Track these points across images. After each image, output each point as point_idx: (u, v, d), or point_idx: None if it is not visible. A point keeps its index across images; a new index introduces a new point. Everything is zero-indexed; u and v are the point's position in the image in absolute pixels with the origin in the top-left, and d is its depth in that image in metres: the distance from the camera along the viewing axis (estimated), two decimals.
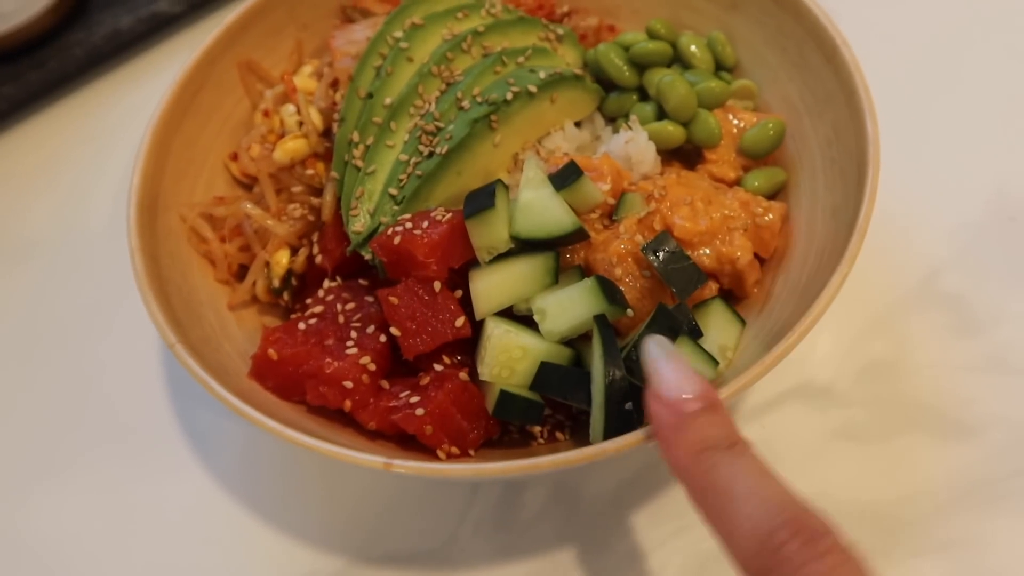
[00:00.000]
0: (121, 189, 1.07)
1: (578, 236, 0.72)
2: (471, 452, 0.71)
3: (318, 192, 0.86)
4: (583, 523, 0.79)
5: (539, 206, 0.72)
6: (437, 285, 0.71)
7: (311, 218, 0.85)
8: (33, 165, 1.12)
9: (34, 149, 1.14)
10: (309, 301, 0.80)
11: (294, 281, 0.84)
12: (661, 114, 0.86)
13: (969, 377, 0.84)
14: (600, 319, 0.67)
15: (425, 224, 0.72)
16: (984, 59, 1.07)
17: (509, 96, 0.80)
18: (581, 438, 0.73)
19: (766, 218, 0.78)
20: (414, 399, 0.70)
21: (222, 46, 0.90)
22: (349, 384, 0.71)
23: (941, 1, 1.12)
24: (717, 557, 0.74)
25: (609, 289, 0.69)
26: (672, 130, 0.84)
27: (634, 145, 0.82)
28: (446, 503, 0.81)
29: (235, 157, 0.91)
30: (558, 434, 0.75)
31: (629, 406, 0.65)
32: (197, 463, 0.86)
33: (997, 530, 0.76)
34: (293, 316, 0.79)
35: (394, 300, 0.72)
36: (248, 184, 0.91)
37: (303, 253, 0.84)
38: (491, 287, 0.71)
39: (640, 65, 0.88)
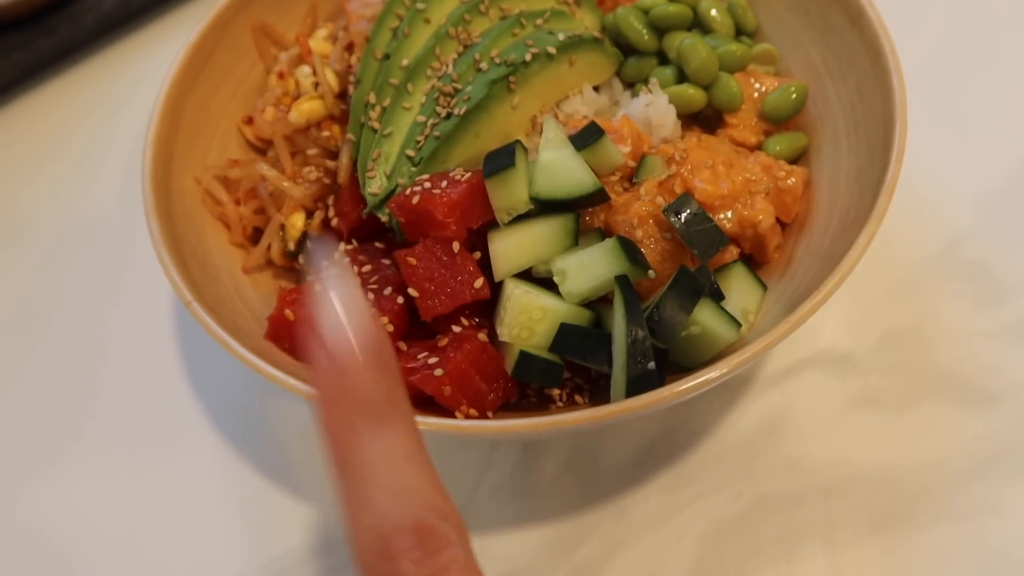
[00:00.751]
0: (132, 156, 1.06)
1: (599, 197, 0.71)
2: (489, 414, 0.71)
3: (333, 155, 0.85)
4: (600, 489, 0.79)
5: (559, 167, 0.71)
6: (456, 246, 0.71)
7: (326, 181, 0.84)
8: (43, 132, 1.11)
9: (44, 116, 1.13)
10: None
11: (309, 244, 0.83)
12: (681, 78, 0.85)
13: (991, 345, 0.83)
14: (622, 279, 0.67)
15: (444, 184, 0.71)
16: (1012, 23, 1.05)
17: (528, 57, 0.79)
18: (600, 401, 0.72)
19: (788, 182, 0.77)
20: (432, 360, 0.69)
21: (235, 9, 0.89)
22: None
23: None
24: (737, 524, 0.75)
25: (631, 250, 0.68)
26: (693, 93, 0.82)
27: (654, 108, 0.81)
28: (462, 469, 0.80)
29: (249, 121, 0.90)
30: (577, 397, 0.74)
31: (652, 366, 0.64)
32: (210, 431, 0.86)
33: (1019, 498, 0.75)
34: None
35: (412, 261, 0.71)
36: (262, 148, 0.90)
37: (318, 216, 0.83)
38: (510, 248, 0.71)
39: (659, 29, 0.87)
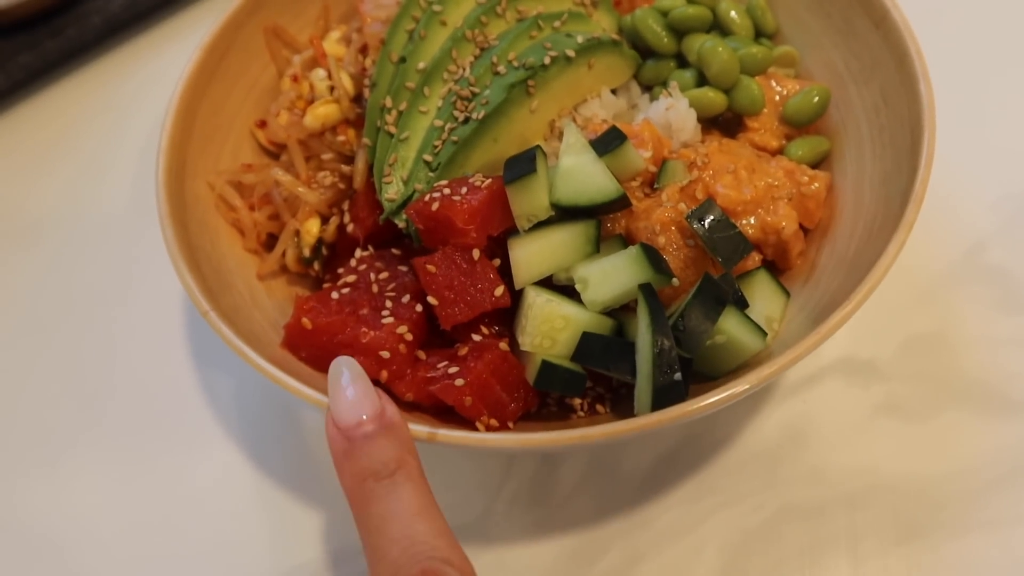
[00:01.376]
0: (141, 158, 1.06)
1: (621, 204, 0.71)
2: (510, 424, 0.70)
3: (348, 160, 0.84)
4: (620, 499, 0.78)
5: (581, 172, 0.70)
6: (476, 253, 0.70)
7: (342, 186, 0.83)
8: (51, 135, 1.10)
9: (52, 119, 1.12)
10: (341, 271, 0.78)
11: (324, 250, 0.82)
12: (701, 81, 0.84)
13: (1015, 352, 0.82)
14: (646, 288, 0.66)
15: (464, 190, 0.70)
16: None
17: (547, 61, 0.78)
18: (622, 411, 0.72)
19: (812, 187, 0.76)
20: (452, 369, 0.69)
21: (247, 11, 0.87)
22: (386, 354, 0.70)
23: None
24: (759, 535, 0.74)
25: (654, 257, 0.68)
26: (714, 97, 0.81)
27: (675, 112, 0.80)
28: (481, 478, 0.80)
29: (262, 124, 0.88)
30: (598, 407, 0.73)
31: (678, 376, 0.63)
32: (222, 436, 0.85)
33: None
34: (325, 286, 0.78)
35: (431, 268, 0.70)
36: (275, 152, 0.89)
37: (334, 222, 0.82)
38: (531, 255, 0.70)
39: (678, 31, 0.86)
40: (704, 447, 0.79)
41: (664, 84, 0.86)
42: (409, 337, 0.71)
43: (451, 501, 0.78)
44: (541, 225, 0.71)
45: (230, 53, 0.87)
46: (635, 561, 0.75)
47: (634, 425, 0.60)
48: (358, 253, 0.79)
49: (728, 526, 0.75)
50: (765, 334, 0.68)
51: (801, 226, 0.77)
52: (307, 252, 0.82)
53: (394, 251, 0.79)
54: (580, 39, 0.81)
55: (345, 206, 0.83)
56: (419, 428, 0.63)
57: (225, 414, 0.86)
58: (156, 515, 0.82)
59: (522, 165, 0.69)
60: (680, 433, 0.80)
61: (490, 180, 0.71)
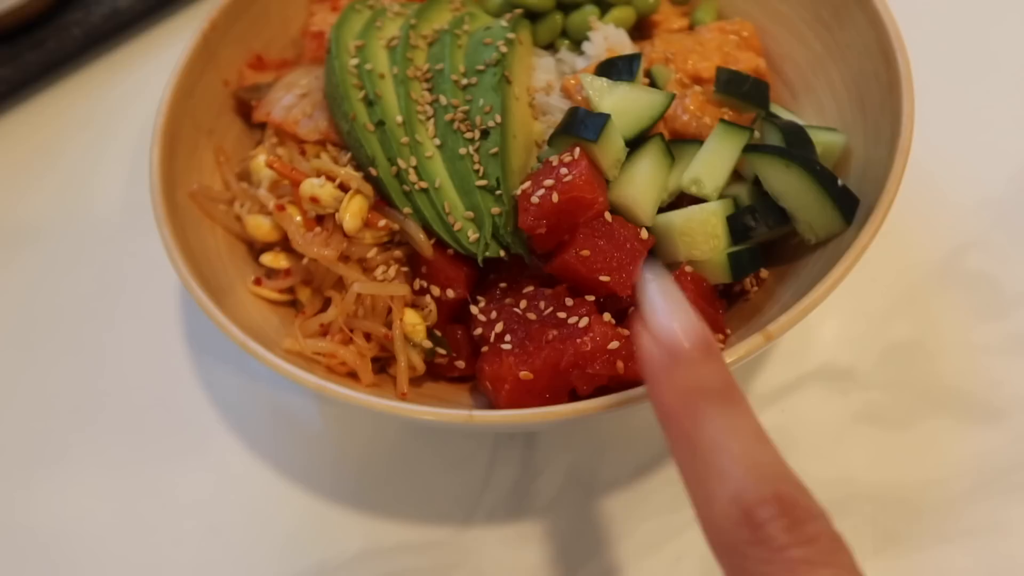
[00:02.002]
0: (126, 168, 1.06)
1: (671, 105, 0.77)
2: (728, 331, 0.73)
3: (386, 245, 0.78)
4: (599, 509, 0.78)
5: (628, 104, 0.76)
6: (608, 216, 0.71)
7: (405, 269, 0.77)
8: (33, 148, 1.08)
9: (34, 132, 1.10)
10: (479, 333, 0.74)
11: (438, 333, 0.76)
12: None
13: (994, 359, 0.82)
14: (761, 147, 0.73)
15: (564, 171, 0.71)
16: (1010, 31, 1.05)
17: (504, 49, 0.81)
18: (780, 268, 0.77)
19: (743, 34, 0.88)
20: None
21: (163, 186, 0.78)
22: (615, 344, 0.68)
23: None
24: None
25: (735, 125, 0.75)
26: (627, 13, 0.90)
27: (615, 37, 0.87)
28: (460, 491, 0.79)
29: (259, 282, 0.80)
30: (762, 273, 0.78)
31: (842, 182, 0.70)
32: (219, 441, 0.86)
33: None
34: (487, 348, 0.73)
35: (586, 253, 0.70)
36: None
37: (429, 303, 0.76)
38: (638, 193, 0.73)
39: None
40: None
41: (564, 35, 0.92)
42: (612, 320, 0.71)
43: (429, 513, 0.79)
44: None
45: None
46: (614, 572, 0.75)
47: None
48: (475, 310, 0.75)
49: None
50: (835, 129, 0.78)
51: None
52: (428, 344, 0.75)
53: (502, 285, 0.76)
54: (504, 23, 0.85)
55: (415, 285, 0.77)
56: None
57: (222, 418, 0.86)
58: (152, 520, 0.82)
59: (597, 120, 0.72)
60: (658, 443, 0.80)
61: (567, 154, 0.72)
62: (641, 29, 0.94)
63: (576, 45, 0.92)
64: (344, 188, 0.75)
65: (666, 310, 0.54)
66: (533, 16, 0.93)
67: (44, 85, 1.14)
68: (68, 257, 1.00)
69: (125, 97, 1.12)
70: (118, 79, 1.15)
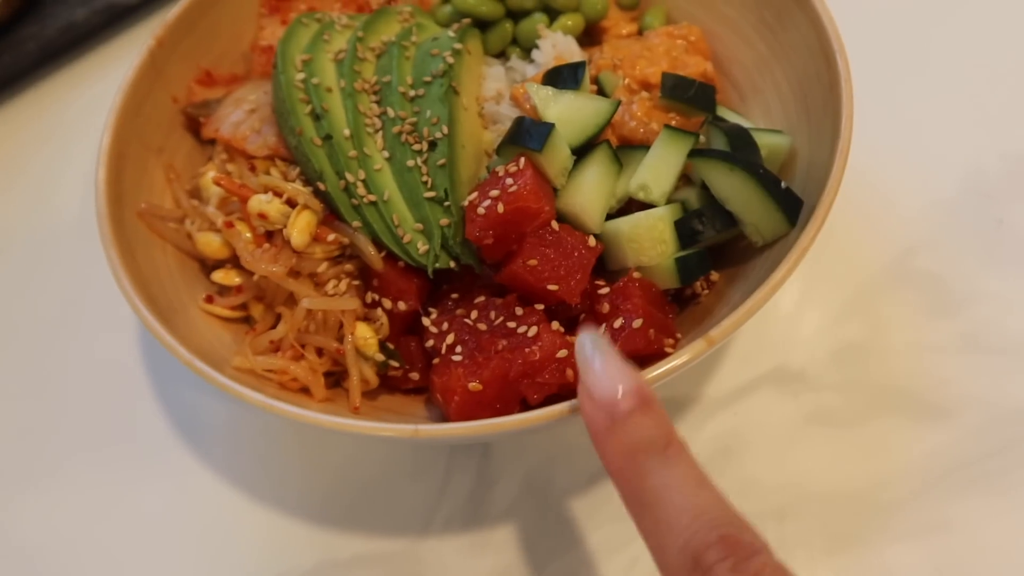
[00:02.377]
0: (86, 183, 1.05)
1: (615, 113, 0.77)
2: (678, 336, 0.72)
3: (338, 259, 0.78)
4: (555, 517, 0.79)
5: (573, 113, 0.76)
6: (555, 224, 0.72)
7: (356, 283, 0.77)
8: None
9: None
10: (430, 345, 0.74)
11: (391, 346, 0.76)
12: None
13: (943, 358, 0.83)
14: (706, 151, 0.74)
15: (508, 181, 0.71)
16: (955, 33, 1.05)
17: (451, 60, 0.81)
18: (729, 271, 0.78)
19: (691, 38, 0.88)
20: (618, 323, 0.69)
21: (110, 207, 0.77)
22: (564, 352, 0.69)
23: None
24: None
25: (680, 131, 0.75)
26: (576, 20, 0.91)
27: (563, 45, 0.88)
28: (416, 500, 0.80)
29: (211, 300, 0.79)
30: (712, 276, 0.78)
31: (785, 184, 0.71)
32: (179, 448, 0.85)
33: (974, 512, 0.75)
34: (438, 359, 0.73)
35: (533, 263, 0.70)
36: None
37: (380, 316, 0.76)
38: (585, 200, 0.74)
39: None
40: None
41: (514, 43, 0.92)
42: (562, 329, 0.71)
43: (386, 525, 0.79)
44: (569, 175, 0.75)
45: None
46: None
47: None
48: (427, 321, 0.75)
49: None
50: (781, 131, 0.79)
51: None
52: (380, 357, 0.75)
53: (453, 296, 0.77)
54: (451, 33, 0.85)
55: (367, 298, 0.77)
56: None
57: (179, 435, 0.86)
58: (109, 538, 0.81)
59: (542, 130, 0.72)
60: None
61: (512, 164, 0.72)
62: (591, 35, 0.95)
63: (526, 53, 0.93)
64: (292, 203, 0.75)
65: (600, 370, 0.57)
66: (483, 25, 0.93)
67: (1, 101, 1.14)
68: (25, 273, 1.00)
69: (84, 110, 1.12)
70: (76, 93, 1.14)
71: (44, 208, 1.05)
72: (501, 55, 0.95)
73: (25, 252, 1.02)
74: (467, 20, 0.91)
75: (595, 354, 0.58)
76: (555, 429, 0.82)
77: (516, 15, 0.94)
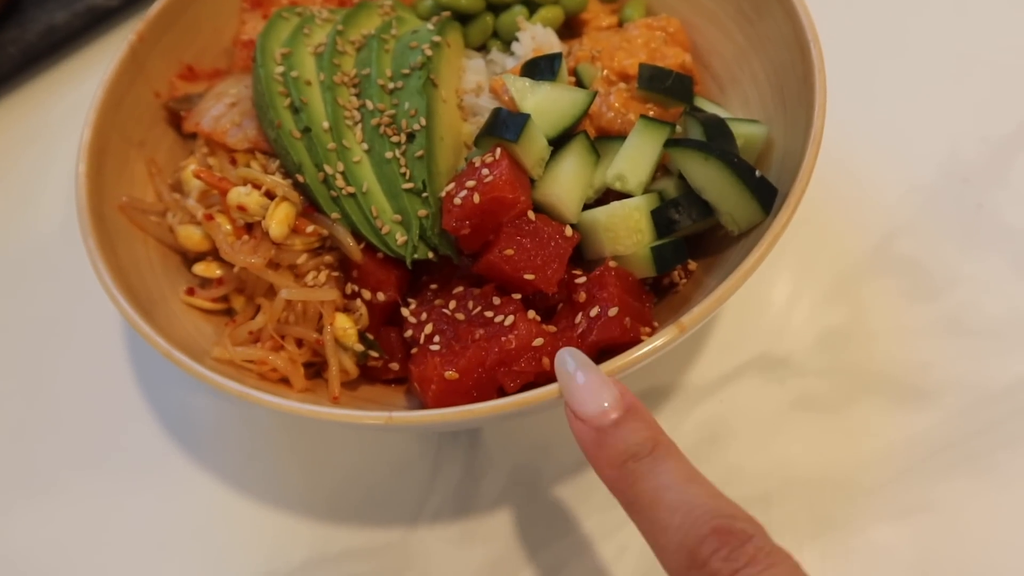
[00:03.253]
0: (66, 188, 1.05)
1: (591, 104, 0.78)
2: (655, 324, 0.73)
3: (318, 251, 0.79)
4: (542, 507, 0.80)
5: (551, 103, 0.77)
6: (531, 214, 0.72)
7: (335, 274, 0.78)
8: None
9: None
10: (409, 335, 0.75)
11: (370, 336, 0.77)
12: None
13: (925, 341, 0.84)
14: (681, 141, 0.74)
15: (484, 172, 0.72)
16: (932, 20, 1.06)
17: (429, 53, 0.82)
18: (707, 260, 0.78)
19: (670, 29, 0.89)
20: (594, 311, 0.70)
21: (90, 200, 0.78)
22: (539, 341, 0.69)
23: None
24: None
25: (655, 120, 0.76)
26: (556, 12, 0.91)
27: (542, 37, 0.89)
28: (405, 493, 0.81)
29: (192, 292, 0.80)
30: (690, 265, 0.79)
31: (759, 173, 0.71)
32: (164, 455, 0.85)
33: (957, 492, 0.76)
34: (416, 349, 0.74)
35: (510, 252, 0.71)
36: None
37: (360, 307, 0.77)
38: (562, 191, 0.74)
39: None
40: None
41: (495, 36, 0.93)
42: (539, 318, 0.72)
43: (375, 518, 0.80)
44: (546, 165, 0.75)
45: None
46: (557, 568, 0.76)
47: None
48: (406, 311, 0.76)
49: None
50: (757, 121, 0.79)
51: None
52: (359, 347, 0.75)
53: (432, 287, 0.77)
54: (431, 27, 0.86)
55: (347, 289, 0.78)
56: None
57: (166, 433, 0.87)
58: (98, 540, 0.81)
59: (518, 121, 0.73)
60: None
61: (489, 155, 0.73)
62: (572, 27, 0.96)
63: (506, 45, 0.93)
64: (271, 196, 0.75)
65: (583, 386, 0.59)
66: (464, 18, 0.94)
67: None
68: (11, 276, 1.00)
69: (67, 113, 1.12)
70: (59, 95, 1.15)
71: (29, 210, 1.05)
72: (482, 48, 0.95)
73: (10, 254, 1.02)
74: (447, 13, 0.91)
75: (576, 370, 0.60)
76: (540, 419, 0.82)
77: (496, 8, 0.94)
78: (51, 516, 0.83)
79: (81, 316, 0.95)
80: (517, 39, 0.90)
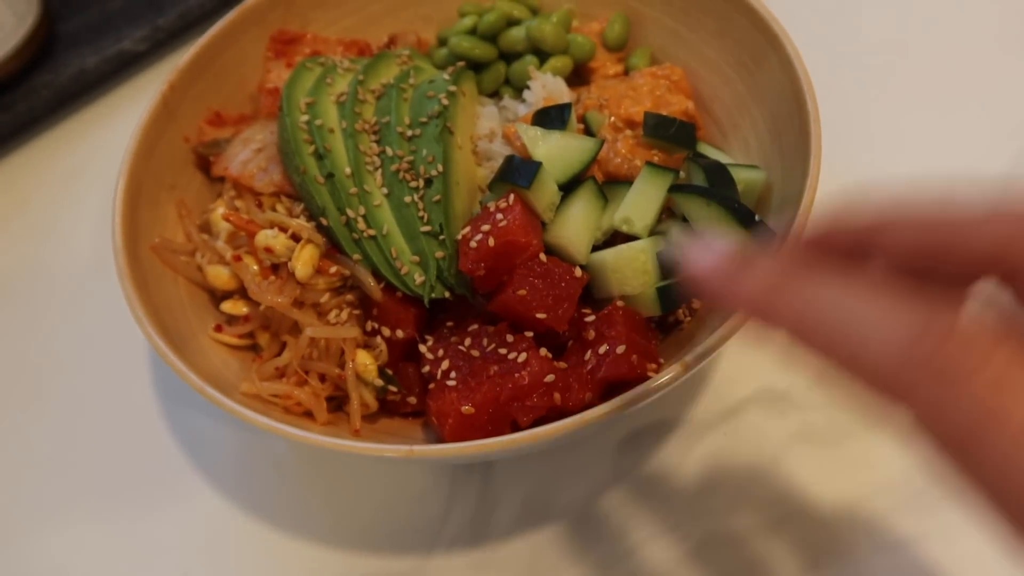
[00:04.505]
0: (92, 225, 1.10)
1: (600, 152, 0.83)
2: (661, 360, 0.76)
3: (339, 290, 0.83)
4: (554, 535, 0.82)
5: (560, 151, 0.81)
6: (543, 257, 0.76)
7: (356, 312, 0.82)
8: (5, 208, 1.13)
9: (4, 192, 1.15)
10: (426, 370, 0.78)
11: (389, 371, 0.81)
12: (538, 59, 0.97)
13: None
14: (685, 187, 0.78)
15: (499, 216, 0.76)
16: (918, 61, 1.11)
17: (446, 102, 0.86)
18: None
19: (674, 78, 0.94)
20: (603, 349, 0.74)
21: (125, 242, 0.82)
22: (551, 377, 0.73)
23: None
24: (684, 565, 0.80)
25: (661, 167, 0.80)
26: (564, 62, 0.96)
27: (552, 85, 0.93)
28: (421, 522, 0.83)
29: (220, 329, 0.84)
30: (694, 304, 0.83)
31: (758, 217, 0.75)
32: (189, 483, 0.88)
33: (955, 523, 0.77)
34: (433, 384, 0.77)
35: (523, 293, 0.74)
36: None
37: (380, 343, 0.80)
38: (572, 233, 0.78)
39: (490, 37, 0.98)
40: (633, 481, 0.84)
41: (507, 83, 0.98)
42: (550, 355, 0.75)
43: (393, 546, 0.83)
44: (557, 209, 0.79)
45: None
46: None
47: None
48: (423, 348, 0.79)
49: (655, 557, 0.80)
50: (756, 167, 0.84)
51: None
52: (379, 382, 0.79)
53: (448, 324, 0.81)
54: (447, 76, 0.91)
55: (367, 326, 0.82)
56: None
57: (191, 462, 0.90)
58: (123, 568, 0.84)
59: (530, 168, 0.77)
60: (611, 468, 0.85)
61: (503, 200, 0.77)
62: (580, 75, 1.00)
63: (518, 93, 0.98)
64: (296, 238, 0.80)
65: (704, 245, 0.50)
66: (478, 67, 0.99)
67: (14, 146, 1.19)
68: (39, 310, 1.04)
69: (95, 153, 1.17)
70: (88, 136, 1.20)
71: (58, 246, 1.10)
72: (495, 94, 1.00)
73: (39, 290, 1.06)
74: (462, 63, 0.96)
75: (690, 241, 0.51)
76: (554, 450, 0.86)
77: (508, 57, 1.00)
78: (79, 542, 0.86)
79: (107, 348, 0.99)
80: (528, 87, 0.95)
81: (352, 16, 1.06)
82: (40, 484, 0.91)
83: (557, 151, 0.82)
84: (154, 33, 1.23)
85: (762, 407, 0.87)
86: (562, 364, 0.76)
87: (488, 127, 0.93)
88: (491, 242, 0.75)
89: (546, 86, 0.94)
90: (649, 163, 0.82)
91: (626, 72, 1.00)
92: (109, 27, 1.23)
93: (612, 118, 0.89)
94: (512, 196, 0.77)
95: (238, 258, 0.81)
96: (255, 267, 0.81)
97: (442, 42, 1.03)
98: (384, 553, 0.82)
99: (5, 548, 0.87)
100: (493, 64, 0.99)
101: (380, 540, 0.83)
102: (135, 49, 1.22)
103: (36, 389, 0.98)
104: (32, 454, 0.93)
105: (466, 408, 0.72)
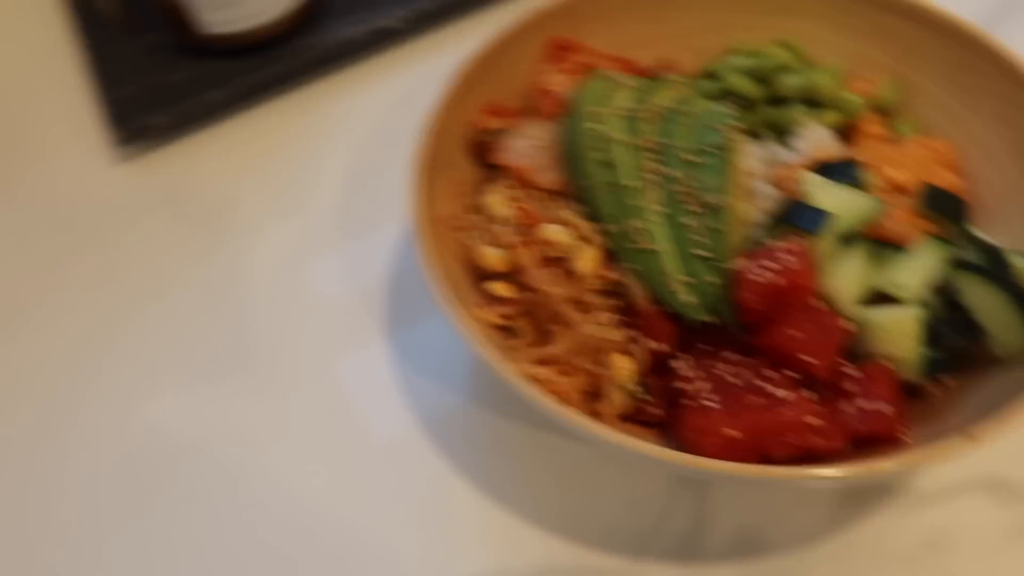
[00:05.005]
0: (337, 181, 1.17)
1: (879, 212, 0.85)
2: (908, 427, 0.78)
3: (604, 294, 0.87)
4: (767, 570, 0.83)
5: (842, 204, 0.84)
6: (814, 302, 0.80)
7: (618, 318, 0.86)
8: (263, 147, 1.21)
9: (264, 134, 1.23)
10: (680, 386, 0.81)
11: (643, 379, 0.84)
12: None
13: None
14: (964, 263, 0.81)
15: (789, 258, 0.79)
16: None
17: (730, 135, 0.89)
18: (963, 375, 0.82)
19: (942, 151, 0.95)
20: (865, 403, 0.77)
21: (419, 209, 0.87)
22: (813, 420, 0.76)
23: None
24: None
25: (943, 238, 0.83)
26: (834, 116, 0.99)
27: (823, 138, 0.96)
28: (635, 527, 0.86)
29: (484, 305, 0.89)
30: (944, 379, 0.83)
31: None
32: (419, 446, 0.93)
33: None
34: (689, 401, 0.80)
35: (794, 333, 0.78)
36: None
37: (639, 351, 0.84)
38: (842, 286, 0.81)
39: (762, 78, 1.02)
40: (846, 542, 0.85)
41: (767, 126, 1.01)
42: (814, 397, 0.78)
43: (606, 543, 0.86)
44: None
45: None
46: None
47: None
48: (681, 365, 0.82)
49: None
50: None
51: None
52: (637, 389, 0.83)
53: (704, 347, 0.84)
54: (727, 109, 0.94)
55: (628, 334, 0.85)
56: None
57: (424, 428, 0.93)
58: (358, 517, 0.88)
59: (818, 217, 0.81)
60: (827, 517, 0.86)
61: (786, 243, 0.81)
62: (842, 132, 1.02)
63: (778, 136, 1.01)
64: (579, 237, 0.85)
65: None
66: (741, 105, 1.02)
67: (275, 95, 1.27)
68: (275, 258, 1.10)
69: (346, 115, 1.25)
70: (341, 98, 1.27)
71: (298, 197, 1.17)
72: (754, 134, 1.02)
73: (279, 238, 1.12)
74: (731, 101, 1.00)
75: None
76: (780, 487, 0.89)
77: (775, 100, 1.03)
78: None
79: (351, 308, 1.04)
80: (794, 134, 0.98)
81: (623, 32, 1.10)
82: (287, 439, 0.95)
83: (839, 204, 0.85)
84: (414, 14, 1.30)
85: (982, 493, 0.87)
86: (820, 409, 0.78)
87: (754, 166, 0.96)
88: (779, 281, 0.78)
89: (816, 137, 0.97)
90: (931, 235, 0.84)
91: (891, 137, 1.02)
92: (373, 4, 1.31)
93: (877, 179, 0.92)
94: (801, 240, 0.81)
95: (520, 244, 0.86)
96: (530, 256, 0.86)
97: (709, 75, 1.06)
98: (596, 548, 0.86)
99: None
100: (760, 104, 1.02)
101: (592, 535, 0.87)
102: (394, 26, 1.30)
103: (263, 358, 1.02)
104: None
105: (731, 432, 0.76)
